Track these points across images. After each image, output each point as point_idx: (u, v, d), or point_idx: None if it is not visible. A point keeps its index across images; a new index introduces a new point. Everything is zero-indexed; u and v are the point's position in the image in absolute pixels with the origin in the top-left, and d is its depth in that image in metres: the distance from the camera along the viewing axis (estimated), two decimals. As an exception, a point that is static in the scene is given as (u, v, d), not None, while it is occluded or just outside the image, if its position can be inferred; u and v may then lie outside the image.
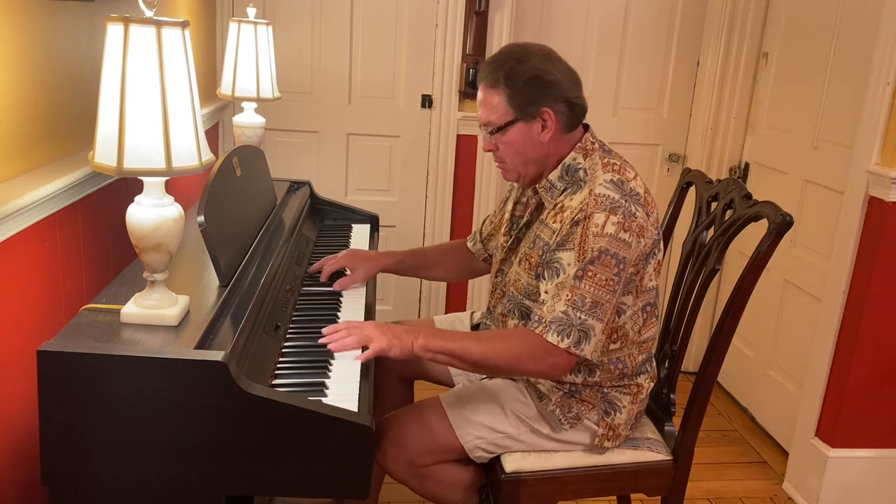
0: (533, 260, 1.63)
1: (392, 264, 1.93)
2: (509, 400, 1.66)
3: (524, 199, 1.77)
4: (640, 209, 1.52)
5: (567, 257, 1.50)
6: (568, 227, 1.52)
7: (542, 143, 1.59)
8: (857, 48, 2.43)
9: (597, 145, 1.63)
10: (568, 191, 1.60)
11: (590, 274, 1.47)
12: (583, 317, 1.47)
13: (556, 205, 1.61)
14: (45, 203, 1.46)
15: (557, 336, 1.47)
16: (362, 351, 1.49)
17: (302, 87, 3.07)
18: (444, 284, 3.29)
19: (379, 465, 1.67)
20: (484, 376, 1.78)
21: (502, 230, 1.81)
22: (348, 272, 1.86)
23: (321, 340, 1.51)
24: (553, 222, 1.59)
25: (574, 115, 1.59)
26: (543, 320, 1.49)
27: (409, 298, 3.32)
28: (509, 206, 1.82)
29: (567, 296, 1.48)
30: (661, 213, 2.08)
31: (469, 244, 1.99)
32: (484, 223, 1.96)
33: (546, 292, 1.52)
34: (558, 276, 1.51)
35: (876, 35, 2.23)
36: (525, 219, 1.73)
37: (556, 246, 1.54)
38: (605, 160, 1.59)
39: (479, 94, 1.62)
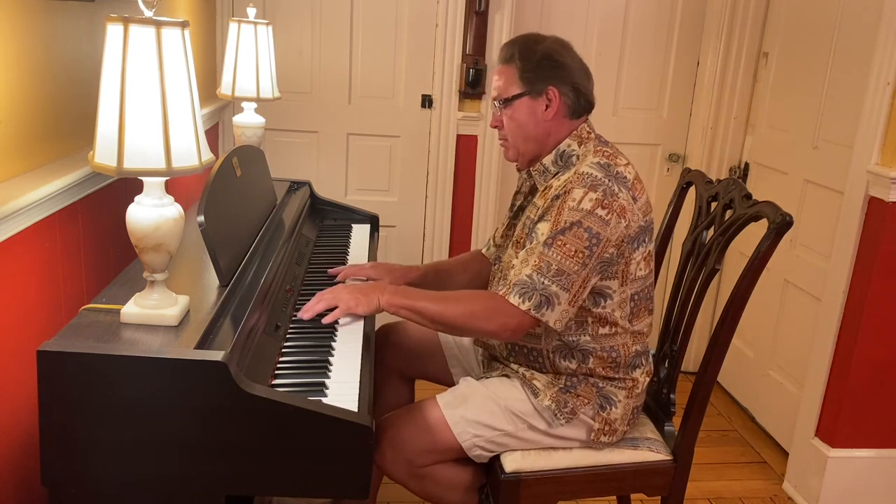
0: (522, 240, 1.67)
1: (416, 278, 1.91)
2: (506, 397, 1.66)
3: (523, 189, 1.82)
4: (625, 191, 1.56)
5: (542, 227, 1.56)
6: (549, 201, 1.58)
7: (545, 122, 1.64)
8: (857, 48, 2.43)
9: (593, 135, 1.68)
10: (559, 174, 1.65)
11: (559, 243, 1.52)
12: (546, 282, 1.51)
13: (546, 187, 1.66)
14: (45, 203, 1.46)
15: (519, 298, 1.51)
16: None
17: (302, 87, 3.07)
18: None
19: (378, 467, 1.67)
20: (482, 376, 1.78)
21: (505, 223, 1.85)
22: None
23: (298, 314, 1.60)
24: (540, 200, 1.64)
25: (579, 102, 1.65)
26: (509, 282, 1.54)
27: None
28: (513, 199, 1.86)
29: (534, 261, 1.53)
30: (660, 212, 2.10)
31: (484, 250, 2.00)
32: (497, 230, 1.97)
33: (517, 257, 1.59)
34: (531, 243, 1.56)
35: (876, 35, 2.23)
36: (519, 203, 1.78)
37: (537, 219, 1.59)
38: (598, 148, 1.64)
39: (495, 74, 1.69)
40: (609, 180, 1.55)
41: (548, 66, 1.62)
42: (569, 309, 1.54)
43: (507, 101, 1.65)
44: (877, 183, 2.22)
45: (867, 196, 2.26)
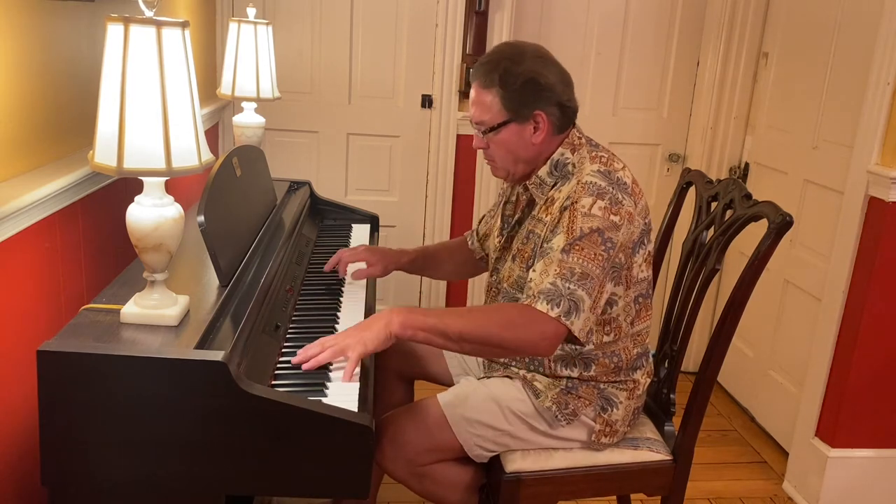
0: (526, 254, 1.65)
1: (406, 263, 1.96)
2: (507, 398, 1.66)
3: (513, 199, 1.79)
4: (628, 197, 1.55)
5: (557, 240, 1.51)
6: (557, 214, 1.55)
7: (534, 145, 1.61)
8: (857, 48, 2.43)
9: (584, 140, 1.65)
10: (557, 184, 1.63)
11: (577, 248, 1.48)
12: (571, 287, 1.45)
13: (546, 199, 1.63)
14: (45, 203, 1.46)
15: (547, 304, 1.44)
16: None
17: (302, 87, 3.07)
18: (443, 285, 3.29)
19: (378, 465, 1.67)
20: (482, 375, 1.78)
21: (495, 232, 1.82)
22: (365, 266, 1.89)
23: (294, 360, 1.40)
24: (545, 215, 1.61)
25: (566, 117, 1.62)
26: (532, 292, 1.47)
27: (410, 298, 3.32)
28: (503, 208, 1.83)
29: (556, 269, 1.47)
30: (660, 212, 2.10)
31: (468, 242, 2.00)
32: (480, 222, 1.98)
33: (534, 271, 1.51)
34: (547, 256, 1.52)
35: (876, 35, 2.23)
36: (516, 216, 1.75)
37: (551, 235, 1.55)
38: (593, 153, 1.62)
39: (473, 93, 1.63)
40: (613, 188, 1.53)
41: (532, 91, 1.56)
42: (590, 316, 1.50)
43: (492, 129, 1.61)
44: (877, 183, 2.22)
45: (867, 196, 2.26)
